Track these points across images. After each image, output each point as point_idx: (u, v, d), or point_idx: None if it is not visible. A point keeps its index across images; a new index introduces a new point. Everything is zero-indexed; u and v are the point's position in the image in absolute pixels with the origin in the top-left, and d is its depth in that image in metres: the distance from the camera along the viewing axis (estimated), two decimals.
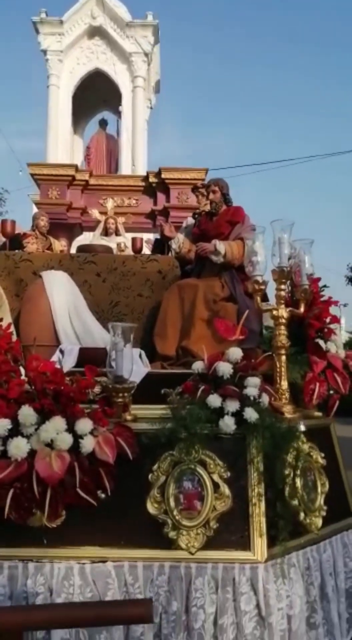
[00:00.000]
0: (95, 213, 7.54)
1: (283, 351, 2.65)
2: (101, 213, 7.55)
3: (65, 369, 2.45)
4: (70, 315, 3.40)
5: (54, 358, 2.83)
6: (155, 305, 3.64)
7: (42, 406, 2.07)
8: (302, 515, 2.37)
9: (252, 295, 2.85)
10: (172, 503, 2.17)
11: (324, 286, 3.10)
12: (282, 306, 2.70)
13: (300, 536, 2.35)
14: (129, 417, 2.29)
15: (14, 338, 2.56)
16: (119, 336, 2.27)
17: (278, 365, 2.64)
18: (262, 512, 2.19)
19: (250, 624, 2.07)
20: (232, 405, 2.24)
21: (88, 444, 2.05)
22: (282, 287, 2.72)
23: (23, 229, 6.44)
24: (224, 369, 2.34)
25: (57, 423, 2.03)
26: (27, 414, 2.03)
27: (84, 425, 2.07)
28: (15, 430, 2.03)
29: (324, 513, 2.48)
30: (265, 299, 2.96)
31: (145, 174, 9.51)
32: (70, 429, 2.05)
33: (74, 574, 2.08)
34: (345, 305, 21.75)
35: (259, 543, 2.16)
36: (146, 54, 13.77)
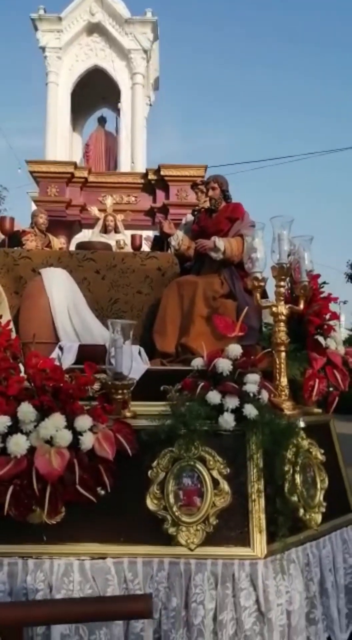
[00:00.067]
0: (94, 210, 7.53)
1: (283, 348, 2.64)
2: (100, 210, 7.54)
3: (65, 366, 2.45)
4: (70, 313, 3.40)
5: (54, 355, 2.83)
6: (154, 302, 3.65)
7: (41, 403, 2.07)
8: (301, 511, 2.37)
9: (252, 292, 2.85)
10: (171, 499, 2.17)
11: (324, 283, 3.11)
12: (282, 303, 2.69)
13: (299, 532, 2.35)
14: (128, 414, 2.29)
15: (13, 335, 2.56)
16: (119, 333, 2.27)
17: (278, 362, 2.64)
18: (261, 508, 2.20)
19: (249, 619, 2.08)
20: (232, 402, 2.24)
21: (87, 441, 2.05)
22: (282, 283, 2.72)
23: (22, 227, 6.45)
24: (224, 365, 2.34)
25: (57, 420, 2.03)
26: (26, 410, 2.03)
27: (84, 422, 2.08)
28: (15, 427, 2.03)
29: (323, 509, 2.48)
30: (264, 295, 2.96)
31: (144, 171, 9.49)
32: (70, 425, 2.05)
33: (73, 570, 2.08)
34: (345, 302, 21.81)
35: (259, 539, 2.16)
36: (145, 51, 13.76)
